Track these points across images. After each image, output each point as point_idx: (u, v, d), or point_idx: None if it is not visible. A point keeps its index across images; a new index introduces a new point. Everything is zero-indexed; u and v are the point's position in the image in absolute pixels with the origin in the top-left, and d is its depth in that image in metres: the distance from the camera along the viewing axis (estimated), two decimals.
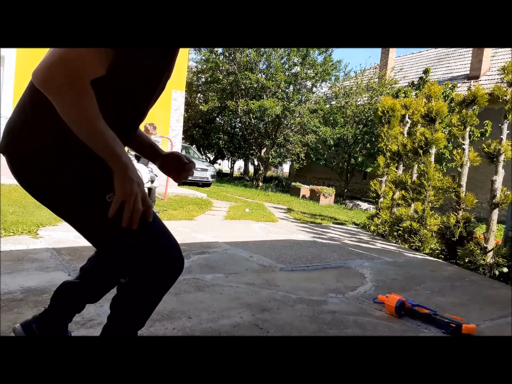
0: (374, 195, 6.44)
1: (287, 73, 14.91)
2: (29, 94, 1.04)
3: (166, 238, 1.16)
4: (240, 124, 17.84)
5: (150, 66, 1.06)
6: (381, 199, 6.31)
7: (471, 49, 14.65)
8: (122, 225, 0.96)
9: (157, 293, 1.16)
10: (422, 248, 5.05)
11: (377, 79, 15.50)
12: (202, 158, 15.62)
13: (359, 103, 14.75)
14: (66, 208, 1.09)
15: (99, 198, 1.04)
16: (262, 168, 16.08)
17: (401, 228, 5.36)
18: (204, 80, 18.02)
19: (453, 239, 4.66)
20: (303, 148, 15.69)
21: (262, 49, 14.59)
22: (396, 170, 6.09)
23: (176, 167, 1.34)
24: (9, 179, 6.80)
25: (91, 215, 1.06)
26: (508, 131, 4.36)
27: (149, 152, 1.40)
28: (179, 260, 1.17)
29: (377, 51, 25.86)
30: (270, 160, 16.08)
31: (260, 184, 15.58)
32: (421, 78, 11.80)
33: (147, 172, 5.13)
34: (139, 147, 1.40)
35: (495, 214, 4.31)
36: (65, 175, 1.03)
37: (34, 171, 1.03)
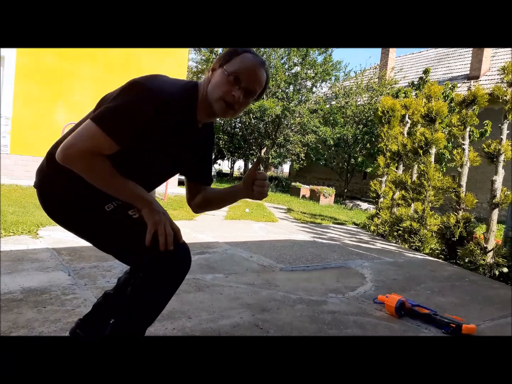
0: (374, 195, 6.44)
1: (287, 73, 14.89)
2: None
3: (176, 247, 1.19)
4: (240, 124, 17.81)
5: (154, 155, 1.25)
6: (381, 199, 6.31)
7: (471, 49, 14.64)
8: (160, 249, 1.14)
9: (165, 298, 1.25)
10: (422, 248, 5.05)
11: (377, 79, 15.48)
12: None
13: (359, 103, 14.74)
14: (79, 228, 1.29)
15: (99, 209, 1.22)
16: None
17: (401, 228, 5.35)
18: None
19: (453, 239, 4.66)
20: (303, 148, 15.67)
21: (262, 49, 14.57)
22: (396, 170, 6.09)
23: (253, 185, 1.31)
24: (9, 179, 6.80)
25: (97, 223, 1.24)
26: (508, 131, 4.36)
27: (225, 199, 1.46)
28: (188, 265, 1.23)
29: (377, 51, 25.87)
30: (270, 160, 16.06)
31: None
32: (421, 78, 11.78)
33: None
34: (209, 205, 1.48)
35: (495, 214, 4.31)
36: (74, 204, 1.25)
37: (55, 206, 1.29)
